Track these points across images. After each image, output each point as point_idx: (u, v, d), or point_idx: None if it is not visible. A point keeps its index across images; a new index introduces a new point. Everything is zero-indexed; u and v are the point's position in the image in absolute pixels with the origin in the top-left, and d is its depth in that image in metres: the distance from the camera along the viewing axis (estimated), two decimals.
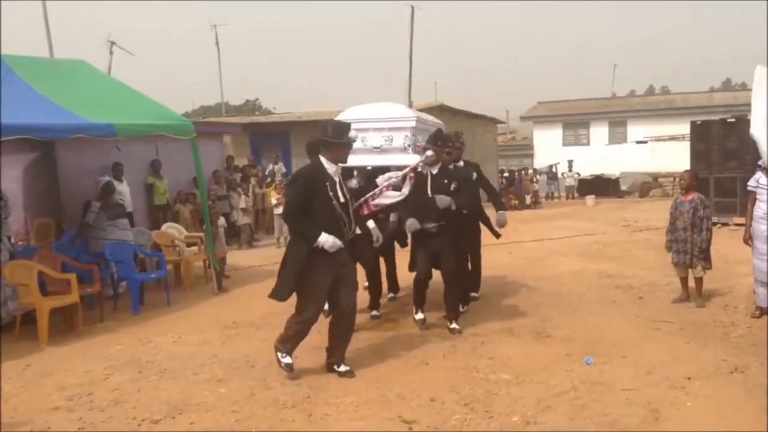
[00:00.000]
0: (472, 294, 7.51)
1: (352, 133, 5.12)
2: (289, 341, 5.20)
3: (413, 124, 6.34)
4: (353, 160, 6.22)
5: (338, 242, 4.98)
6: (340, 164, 5.19)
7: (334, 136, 5.05)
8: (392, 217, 7.12)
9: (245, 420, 4.39)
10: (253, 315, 7.30)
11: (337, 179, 5.12)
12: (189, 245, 9.93)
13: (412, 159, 6.30)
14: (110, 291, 8.13)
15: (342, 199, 5.09)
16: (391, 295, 7.78)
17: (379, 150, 6.37)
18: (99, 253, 8.19)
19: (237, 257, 11.21)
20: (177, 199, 12.06)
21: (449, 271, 6.31)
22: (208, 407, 4.64)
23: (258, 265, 10.82)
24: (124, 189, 10.08)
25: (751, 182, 6.50)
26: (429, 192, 6.16)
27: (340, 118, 6.44)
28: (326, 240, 4.92)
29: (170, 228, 10.44)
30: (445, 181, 6.21)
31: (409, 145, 6.29)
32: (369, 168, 6.85)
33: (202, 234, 9.59)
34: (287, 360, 5.16)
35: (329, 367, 5.25)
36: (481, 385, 4.89)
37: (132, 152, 10.57)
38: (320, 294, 5.10)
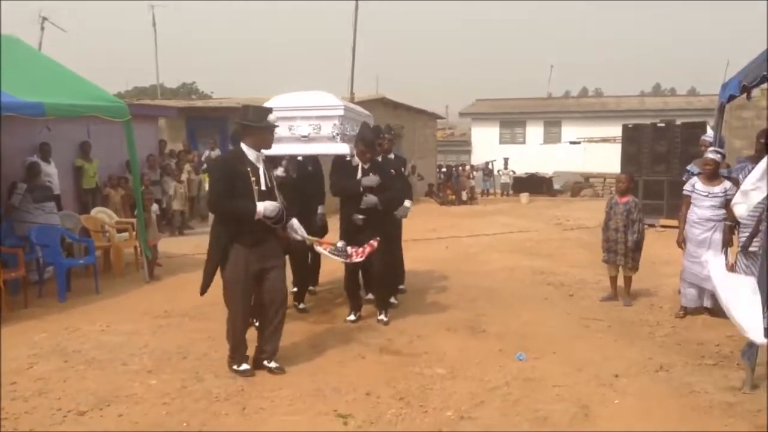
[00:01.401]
0: (400, 287, 7.57)
1: (272, 118, 4.92)
2: (234, 350, 5.05)
3: (341, 112, 6.27)
4: (281, 149, 6.15)
5: (277, 204, 4.84)
6: (263, 150, 5.01)
7: (254, 120, 4.87)
8: (320, 209, 7.07)
9: (177, 413, 4.29)
10: (186, 304, 7.14)
11: (260, 166, 4.93)
12: (119, 231, 9.64)
13: (341, 148, 6.28)
14: (35, 276, 7.83)
15: (264, 187, 4.89)
16: (311, 288, 7.55)
17: (307, 139, 6.28)
18: (24, 236, 7.88)
19: (169, 245, 10.95)
20: (108, 183, 11.68)
21: (378, 264, 6.35)
22: (138, 399, 4.52)
23: (191, 254, 10.58)
24: (51, 171, 9.70)
25: (687, 187, 6.73)
26: (360, 185, 6.21)
27: (267, 105, 6.37)
28: (266, 206, 4.78)
29: (100, 213, 10.12)
30: (373, 174, 6.27)
31: (337, 134, 6.23)
32: (300, 158, 6.86)
33: (133, 220, 9.33)
34: (242, 367, 5.01)
35: (258, 363, 5.09)
36: (417, 379, 4.92)
37: (62, 133, 10.15)
38: (243, 286, 4.95)
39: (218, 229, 4.97)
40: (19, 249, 7.43)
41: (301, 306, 7.00)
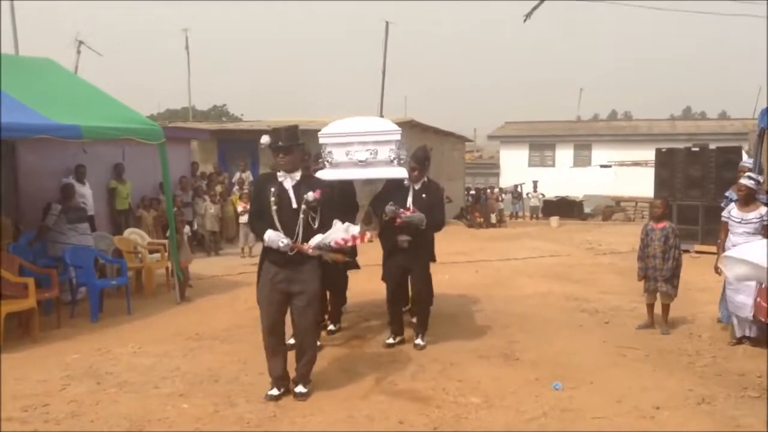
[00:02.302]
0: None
1: (265, 139, 4.94)
2: (268, 364, 5.04)
3: (398, 137, 6.31)
4: (339, 174, 6.27)
5: (279, 237, 4.76)
6: (290, 172, 4.94)
7: (269, 145, 4.95)
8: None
9: None
10: (217, 327, 7.15)
11: (288, 186, 4.91)
12: (151, 252, 9.71)
13: (398, 172, 6.28)
14: (68, 296, 7.89)
15: (286, 209, 4.86)
16: (330, 327, 7.19)
17: (364, 163, 6.30)
18: (58, 257, 7.96)
19: (200, 266, 10.99)
20: (140, 204, 11.81)
21: (419, 285, 6.44)
22: (171, 423, 4.50)
23: (221, 275, 10.63)
24: (86, 192, 9.83)
25: (724, 213, 6.61)
26: (409, 205, 6.23)
27: (325, 130, 6.45)
28: (269, 236, 4.80)
29: (133, 234, 10.20)
30: (424, 196, 6.32)
31: (394, 159, 6.26)
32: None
33: (165, 241, 9.38)
34: (269, 392, 4.98)
35: (292, 382, 5.09)
36: (451, 408, 4.82)
37: (97, 155, 10.32)
38: (266, 308, 4.94)
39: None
40: (52, 269, 7.50)
41: (330, 327, 6.97)
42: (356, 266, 7.13)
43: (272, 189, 4.88)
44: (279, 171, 4.96)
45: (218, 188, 14.48)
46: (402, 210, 6.13)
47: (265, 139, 4.95)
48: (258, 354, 5.67)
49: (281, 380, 5.02)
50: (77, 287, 7.99)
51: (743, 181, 6.42)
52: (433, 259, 6.87)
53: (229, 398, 4.97)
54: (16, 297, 6.75)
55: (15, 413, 4.66)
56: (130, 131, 7.91)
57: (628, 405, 4.84)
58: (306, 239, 4.87)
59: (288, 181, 4.93)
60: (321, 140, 6.43)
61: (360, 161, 6.31)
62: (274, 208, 4.83)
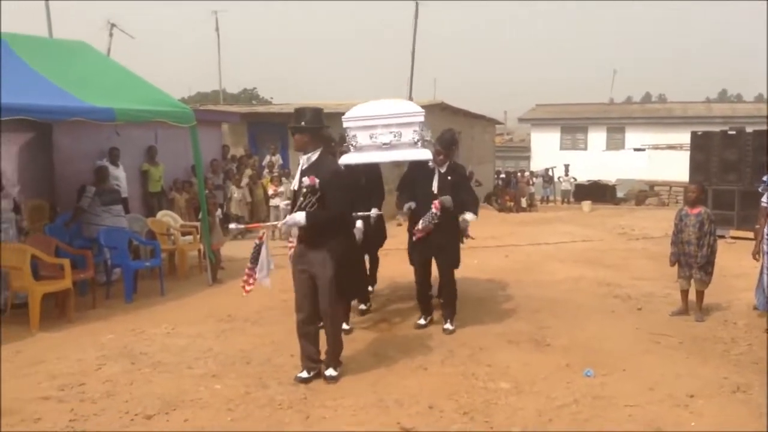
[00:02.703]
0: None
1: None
2: (300, 351, 5.11)
3: (421, 118, 6.28)
4: (363, 158, 6.29)
5: (288, 219, 4.92)
6: (305, 153, 5.01)
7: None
8: (373, 211, 6.98)
9: (241, 419, 4.30)
10: (248, 309, 7.21)
11: (300, 168, 5.03)
12: (184, 234, 9.82)
13: (422, 153, 6.25)
14: (103, 277, 8.02)
15: (294, 187, 5.05)
16: (369, 288, 7.53)
17: (388, 146, 6.29)
18: (93, 238, 8.08)
19: (231, 248, 11.07)
20: (173, 187, 11.93)
21: (446, 267, 6.44)
22: (203, 404, 4.56)
23: None
24: (120, 174, 9.95)
25: (764, 198, 6.46)
26: (435, 188, 6.24)
27: (348, 114, 6.46)
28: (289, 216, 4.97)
29: (166, 216, 10.32)
30: (449, 178, 6.32)
31: (418, 140, 6.23)
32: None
33: (197, 223, 9.48)
34: (299, 374, 5.03)
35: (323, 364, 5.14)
36: (480, 393, 4.81)
37: (130, 137, 10.42)
38: (295, 287, 5.07)
39: None
40: (88, 251, 7.62)
41: (362, 307, 7.05)
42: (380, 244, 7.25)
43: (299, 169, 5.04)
44: (299, 152, 5.06)
45: (248, 171, 14.56)
46: (434, 211, 6.11)
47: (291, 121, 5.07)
48: (289, 336, 5.73)
49: (310, 362, 5.06)
50: (112, 268, 8.11)
51: None
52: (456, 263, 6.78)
53: (261, 380, 5.02)
54: (52, 278, 6.89)
55: (52, 392, 4.76)
56: (162, 114, 7.98)
57: (662, 393, 4.78)
58: (311, 225, 4.90)
59: (303, 163, 5.01)
60: (345, 124, 6.44)
61: (384, 144, 6.30)
62: (293, 188, 5.04)
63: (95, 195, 8.24)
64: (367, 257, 7.02)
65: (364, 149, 6.30)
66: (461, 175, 6.59)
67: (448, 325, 6.44)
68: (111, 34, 23.82)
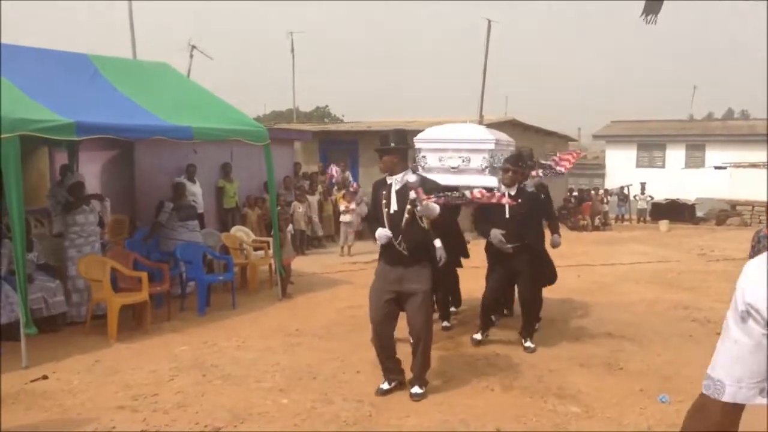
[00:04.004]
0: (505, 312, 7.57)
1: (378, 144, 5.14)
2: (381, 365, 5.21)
3: (492, 146, 6.35)
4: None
5: (386, 233, 4.97)
6: (395, 174, 5.07)
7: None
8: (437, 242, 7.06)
9: None
10: (316, 324, 7.28)
11: (393, 189, 5.05)
12: (256, 249, 10.02)
13: (489, 180, 6.30)
14: (178, 290, 8.26)
15: (392, 210, 5.02)
16: (452, 309, 7.71)
17: (456, 170, 6.37)
18: (169, 252, 8.34)
19: (300, 264, 11.25)
20: (246, 202, 12.22)
21: (525, 293, 6.45)
22: (270, 418, 4.61)
23: (320, 273, 10.83)
24: (196, 190, 10.27)
25: None
26: (507, 214, 6.19)
27: (421, 136, 6.60)
28: (378, 232, 5.02)
29: (239, 231, 10.57)
30: (520, 200, 6.23)
31: (486, 167, 6.29)
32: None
33: (269, 239, 9.65)
34: (381, 386, 5.14)
35: (409, 383, 5.17)
36: (549, 416, 4.70)
37: (206, 155, 10.76)
38: (374, 303, 5.08)
39: None
40: (164, 264, 7.87)
41: (445, 324, 7.16)
42: (459, 264, 7.34)
43: (383, 192, 5.09)
44: (388, 173, 5.13)
45: (319, 187, 14.76)
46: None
47: (377, 144, 5.19)
48: (356, 352, 5.75)
49: (391, 373, 5.15)
50: (186, 282, 8.35)
51: None
52: (551, 277, 7.04)
53: (326, 395, 5.05)
54: (130, 290, 7.15)
55: (127, 401, 4.92)
56: (237, 132, 8.19)
57: (742, 421, 4.54)
58: (408, 239, 4.95)
59: (395, 184, 5.06)
60: (416, 145, 6.53)
61: (452, 168, 6.38)
62: (384, 210, 5.04)
63: (173, 210, 8.52)
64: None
65: (433, 171, 6.35)
66: (529, 197, 6.48)
67: (528, 344, 6.40)
68: (191, 56, 24.59)
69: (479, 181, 6.35)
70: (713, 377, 1.45)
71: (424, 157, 6.43)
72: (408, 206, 4.96)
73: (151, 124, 7.22)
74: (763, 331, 1.34)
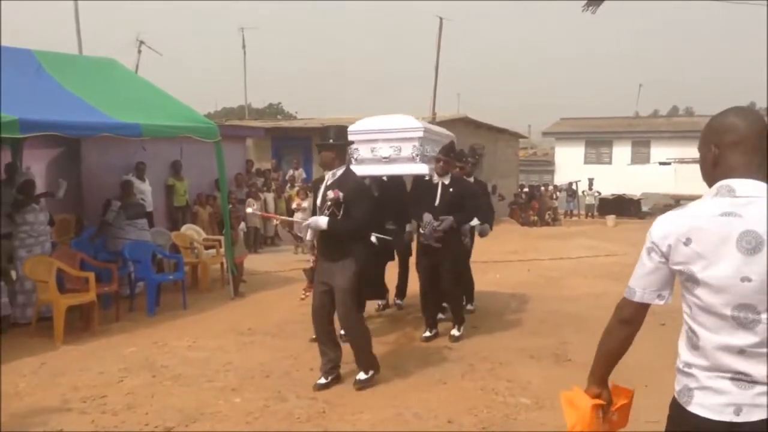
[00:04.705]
0: (468, 306, 7.60)
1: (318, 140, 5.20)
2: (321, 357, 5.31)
3: (420, 134, 6.44)
4: (364, 170, 6.41)
5: (311, 223, 5.07)
6: (329, 169, 5.15)
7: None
8: (408, 227, 7.21)
9: None
10: (269, 322, 7.26)
11: (324, 184, 5.14)
12: (207, 248, 9.91)
13: (419, 168, 6.43)
14: (127, 291, 8.12)
15: (319, 204, 5.14)
16: (398, 302, 7.96)
17: (387, 160, 6.48)
18: (117, 251, 8.19)
19: (253, 262, 11.16)
20: (197, 201, 12.06)
21: (446, 283, 6.52)
22: (222, 417, 4.58)
23: (274, 271, 10.78)
24: (145, 188, 10.10)
25: None
26: (437, 202, 6.32)
27: (352, 128, 6.62)
28: (309, 221, 5.13)
29: (189, 230, 10.43)
30: (451, 190, 6.38)
31: (417, 155, 6.42)
32: (384, 178, 7.09)
33: (220, 237, 9.57)
34: (318, 381, 5.19)
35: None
36: (500, 408, 4.79)
37: (155, 152, 10.58)
38: (315, 296, 5.24)
39: None
40: (112, 264, 7.73)
41: (379, 302, 7.55)
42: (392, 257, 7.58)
43: (320, 186, 5.17)
44: (324, 169, 5.21)
45: (273, 185, 14.67)
46: (434, 227, 6.22)
47: (317, 140, 5.25)
48: (309, 350, 5.75)
49: (330, 365, 5.23)
50: (136, 281, 8.21)
51: None
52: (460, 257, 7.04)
53: (280, 393, 5.04)
54: (77, 290, 7.00)
55: (75, 404, 4.82)
56: (187, 129, 8.09)
57: None
58: (327, 236, 5.10)
59: (327, 179, 5.14)
60: (349, 137, 6.54)
61: (384, 158, 6.49)
62: (316, 204, 5.16)
63: (120, 209, 8.36)
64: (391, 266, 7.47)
65: (365, 162, 6.47)
66: (464, 187, 6.66)
67: (454, 331, 6.58)
68: (139, 51, 24.09)
69: (410, 169, 6.55)
70: (630, 285, 2.20)
71: (356, 149, 6.49)
72: (327, 203, 5.04)
73: (98, 121, 7.08)
74: (660, 260, 2.06)
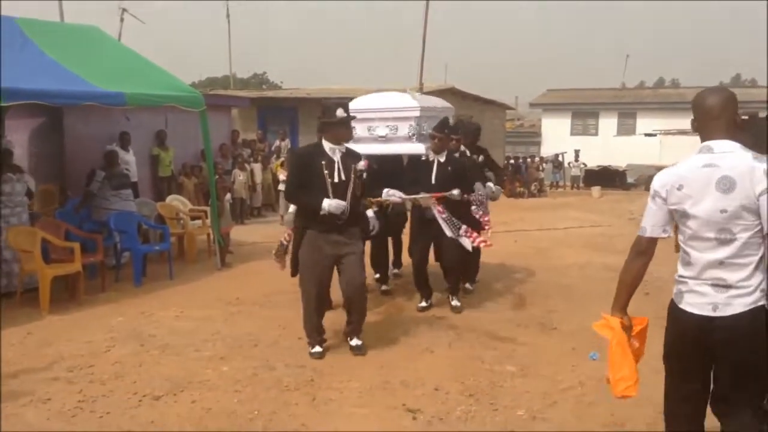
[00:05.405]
0: (467, 286, 7.46)
1: (340, 112, 5.07)
2: (308, 333, 5.29)
3: (417, 113, 6.44)
4: (360, 149, 6.29)
5: (342, 203, 4.99)
6: (344, 144, 5.20)
7: (326, 116, 5.12)
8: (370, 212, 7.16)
9: (248, 401, 4.34)
10: (256, 292, 7.25)
11: (336, 158, 5.09)
12: (193, 219, 9.86)
13: (416, 147, 6.42)
14: (113, 261, 8.08)
15: (336, 180, 5.06)
16: (395, 270, 7.94)
17: (384, 139, 6.49)
18: (102, 222, 8.13)
19: (240, 233, 11.13)
20: (182, 171, 11.97)
21: (448, 261, 6.53)
22: (210, 386, 4.60)
23: (261, 242, 10.75)
24: (129, 159, 9.99)
25: None
26: (433, 180, 6.27)
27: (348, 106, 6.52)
28: (329, 204, 4.96)
29: (175, 200, 10.37)
30: (449, 169, 6.33)
31: (413, 134, 6.43)
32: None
33: (206, 208, 9.52)
34: (313, 350, 5.23)
35: (344, 336, 5.41)
36: (486, 375, 4.83)
37: (140, 122, 10.47)
38: (314, 272, 5.14)
39: (299, 215, 5.29)
40: (98, 234, 7.68)
41: (384, 287, 7.26)
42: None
43: (322, 162, 5.06)
44: (331, 144, 5.13)
45: (258, 156, 14.59)
46: (437, 209, 6.11)
47: (340, 112, 5.09)
48: (297, 319, 5.76)
49: (323, 336, 5.31)
50: (121, 252, 8.16)
51: None
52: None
53: (268, 362, 5.06)
54: (62, 261, 6.95)
55: (62, 373, 4.82)
56: (172, 98, 7.99)
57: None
58: (352, 209, 5.11)
59: (337, 154, 5.11)
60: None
61: (380, 137, 6.51)
62: (328, 180, 5.03)
63: (105, 179, 8.27)
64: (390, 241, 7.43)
65: (362, 141, 6.41)
66: (462, 164, 6.62)
67: (455, 302, 6.58)
68: (122, 19, 23.66)
69: (407, 148, 6.56)
70: (642, 225, 2.91)
71: (353, 127, 6.42)
72: (353, 176, 5.09)
73: (81, 89, 6.98)
74: (661, 203, 2.83)
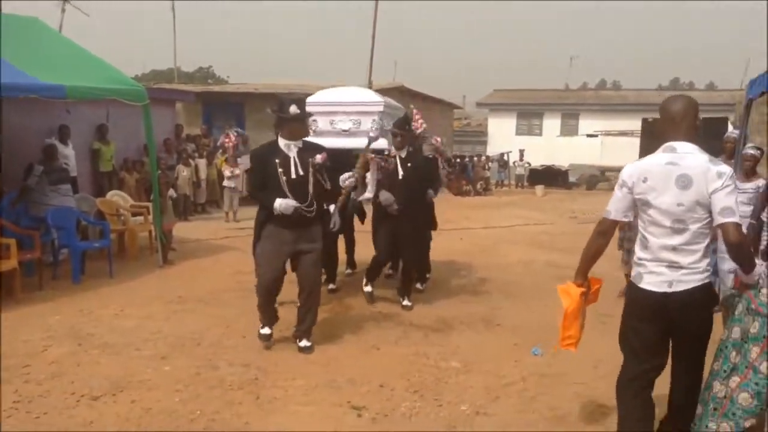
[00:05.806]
0: (427, 275, 7.65)
1: (293, 109, 5.03)
2: (259, 311, 5.32)
3: (381, 108, 6.46)
4: (323, 143, 6.28)
5: (292, 203, 4.94)
6: (299, 140, 5.15)
7: (281, 111, 5.07)
8: (352, 194, 7.17)
9: (190, 400, 4.27)
10: (200, 290, 7.15)
11: (291, 155, 5.06)
12: (134, 215, 9.65)
13: (380, 143, 6.39)
14: (50, 258, 7.84)
15: (294, 176, 5.02)
16: (348, 271, 7.97)
17: (347, 133, 6.46)
18: (40, 217, 7.88)
19: (183, 230, 10.94)
20: (123, 166, 11.71)
21: (409, 255, 6.60)
22: (151, 385, 4.50)
23: (204, 239, 10.61)
24: (69, 153, 9.73)
25: None
26: (399, 175, 6.35)
27: (311, 99, 6.53)
28: (280, 203, 4.93)
29: (115, 196, 10.14)
30: (409, 165, 6.44)
31: (376, 129, 6.36)
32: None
33: (148, 204, 9.32)
34: (262, 330, 5.31)
35: (293, 337, 5.34)
36: (431, 372, 4.87)
37: (81, 115, 10.19)
38: (269, 264, 5.12)
39: (259, 209, 5.24)
40: (35, 231, 7.43)
41: (331, 286, 7.24)
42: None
43: (276, 160, 5.02)
44: (286, 140, 5.10)
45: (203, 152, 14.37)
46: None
47: (293, 109, 5.05)
48: (241, 317, 5.71)
49: (274, 321, 5.37)
50: (59, 249, 7.93)
51: (751, 151, 6.38)
52: (432, 227, 7.38)
53: (211, 361, 4.99)
54: None
55: None
56: (114, 92, 7.81)
57: (606, 371, 4.88)
58: (317, 201, 5.13)
59: (292, 150, 5.08)
60: (307, 108, 6.47)
61: (343, 131, 6.48)
62: (283, 178, 4.99)
63: (43, 174, 8.01)
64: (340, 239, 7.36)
65: (324, 134, 6.38)
66: (423, 159, 6.79)
67: (406, 302, 6.63)
68: (63, 10, 22.97)
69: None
70: (607, 209, 3.29)
71: (315, 120, 6.42)
72: (311, 170, 5.07)
73: (20, 82, 6.75)
74: (627, 192, 3.20)
